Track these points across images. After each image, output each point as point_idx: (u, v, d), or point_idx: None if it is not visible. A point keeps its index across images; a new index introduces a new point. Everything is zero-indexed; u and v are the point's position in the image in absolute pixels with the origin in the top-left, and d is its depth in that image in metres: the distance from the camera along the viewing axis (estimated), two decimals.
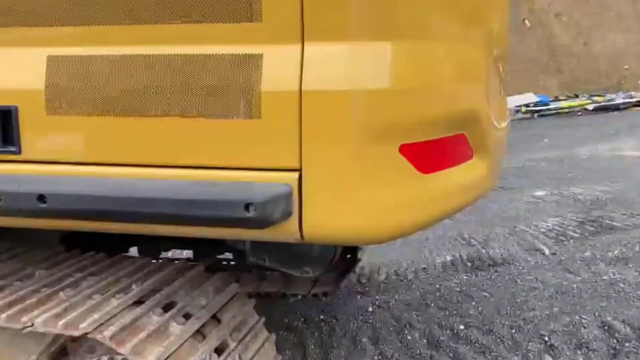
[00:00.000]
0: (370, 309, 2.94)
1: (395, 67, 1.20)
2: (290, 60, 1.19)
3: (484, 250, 3.67)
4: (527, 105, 12.95)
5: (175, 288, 1.66)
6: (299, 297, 3.19)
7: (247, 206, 1.20)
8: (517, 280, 3.11)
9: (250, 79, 1.20)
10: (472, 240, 3.91)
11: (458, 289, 3.07)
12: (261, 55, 1.20)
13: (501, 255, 3.55)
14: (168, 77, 1.23)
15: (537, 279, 3.09)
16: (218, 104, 1.22)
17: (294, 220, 1.23)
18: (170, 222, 1.27)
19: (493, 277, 3.19)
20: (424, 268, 3.46)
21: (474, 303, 2.87)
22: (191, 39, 1.22)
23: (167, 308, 1.57)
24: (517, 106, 13.03)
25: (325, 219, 1.23)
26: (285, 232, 1.25)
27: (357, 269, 3.52)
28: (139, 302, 1.56)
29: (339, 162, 1.19)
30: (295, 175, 1.20)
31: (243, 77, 1.20)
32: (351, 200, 1.21)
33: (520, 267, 3.30)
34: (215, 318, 1.65)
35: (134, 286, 1.63)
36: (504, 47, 1.79)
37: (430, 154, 1.29)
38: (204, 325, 1.57)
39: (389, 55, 1.20)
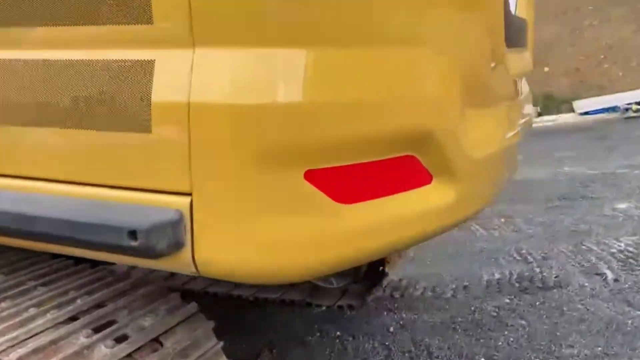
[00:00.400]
0: (391, 329, 2.71)
1: (301, 78, 1.00)
2: (182, 67, 1.02)
3: (538, 270, 3.30)
4: (638, 103, 11.81)
5: (120, 305, 1.55)
6: (324, 308, 3.03)
7: (131, 233, 1.05)
8: (565, 308, 2.74)
9: (141, 87, 1.05)
10: (528, 257, 3.54)
11: (494, 313, 2.76)
12: (153, 62, 1.04)
13: (556, 277, 3.16)
14: (53, 84, 1.11)
15: (588, 309, 2.71)
16: (106, 114, 1.08)
17: (186, 251, 1.06)
18: (55, 242, 1.15)
19: (538, 302, 2.84)
20: (465, 286, 3.16)
21: (506, 332, 2.56)
22: (77, 42, 1.09)
23: (103, 327, 1.46)
24: (627, 104, 11.93)
25: (219, 253, 1.05)
26: (179, 264, 1.09)
27: (395, 282, 3.31)
28: (73, 319, 1.46)
29: (232, 188, 1.01)
30: (187, 200, 1.04)
31: (133, 85, 1.05)
32: (248, 234, 1.03)
33: (573, 294, 2.91)
34: (158, 341, 1.52)
35: (79, 300, 1.55)
36: (500, 46, 1.50)
37: (353, 181, 1.08)
38: (138, 349, 1.45)
39: (292, 64, 1.00)
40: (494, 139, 1.49)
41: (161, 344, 1.52)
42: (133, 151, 1.07)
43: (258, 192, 1.01)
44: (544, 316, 2.68)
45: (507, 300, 2.90)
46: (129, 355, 1.43)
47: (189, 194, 1.03)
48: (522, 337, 2.50)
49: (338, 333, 2.71)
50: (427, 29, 1.16)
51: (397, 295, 3.14)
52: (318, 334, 2.73)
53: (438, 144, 1.19)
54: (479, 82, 1.38)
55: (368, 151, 1.08)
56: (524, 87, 2.01)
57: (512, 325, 2.61)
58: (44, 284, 1.64)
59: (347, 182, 1.07)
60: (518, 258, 3.55)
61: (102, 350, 1.38)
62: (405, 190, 1.17)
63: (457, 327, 2.66)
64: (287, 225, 1.03)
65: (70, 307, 1.49)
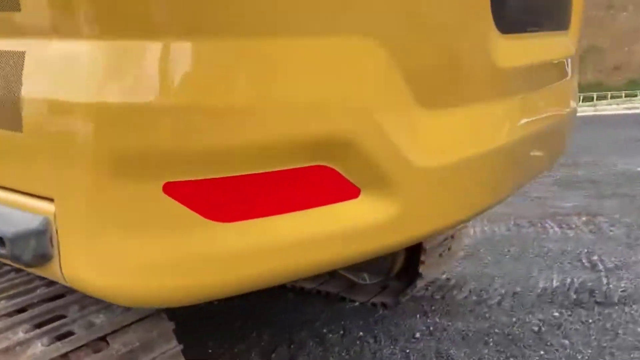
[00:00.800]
0: (417, 335, 2.51)
1: (160, 75, 0.86)
2: (47, 61, 0.92)
3: (605, 280, 2.91)
4: None
5: (73, 299, 1.51)
6: (357, 303, 2.88)
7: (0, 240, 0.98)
8: (620, 331, 2.38)
9: (12, 82, 0.96)
10: (599, 265, 3.14)
11: (536, 328, 2.46)
12: (23, 53, 0.95)
13: (623, 291, 2.77)
14: None
15: None
16: None
17: (55, 264, 0.97)
18: None
19: (591, 320, 2.49)
20: (515, 292, 2.86)
21: (542, 352, 2.27)
22: None
23: (48, 322, 1.42)
24: None
25: (83, 270, 0.96)
26: (53, 275, 1.02)
27: (441, 281, 3.08)
28: (20, 311, 1.44)
29: (87, 198, 0.91)
30: (52, 207, 0.94)
31: (4, 79, 0.97)
32: (106, 251, 0.92)
33: (637, 314, 2.52)
34: (105, 341, 1.46)
35: (39, 290, 1.52)
36: (485, 33, 1.25)
37: (236, 196, 0.92)
38: (77, 348, 1.40)
39: (151, 58, 0.86)
40: (476, 140, 1.26)
41: (107, 344, 1.46)
42: (5, 148, 0.99)
43: (114, 205, 0.89)
44: (593, 337, 2.34)
45: (556, 314, 2.58)
46: (65, 354, 1.37)
47: (53, 201, 0.94)
48: (559, 359, 2.20)
49: (361, 333, 2.56)
50: (344, 14, 0.96)
51: (438, 296, 2.92)
52: (341, 331, 2.59)
53: (363, 152, 1.01)
54: (444, 77, 1.15)
55: (257, 162, 0.93)
56: (558, 74, 1.71)
57: (551, 345, 2.31)
58: (18, 270, 1.64)
59: (226, 197, 0.92)
60: (586, 264, 3.16)
61: (37, 347, 1.34)
62: (318, 205, 1.00)
63: (490, 340, 2.40)
64: (148, 244, 0.91)
65: (22, 298, 1.47)
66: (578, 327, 2.45)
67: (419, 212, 1.12)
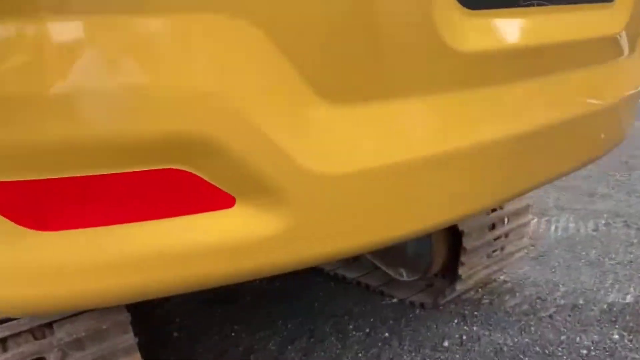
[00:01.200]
0: (446, 344, 2.27)
1: None
2: None
3: None
4: None
5: None
6: (395, 300, 2.69)
7: None
8: None
9: None
10: None
11: (585, 351, 2.12)
12: None
13: None
14: None
15: None
16: None
17: None
18: None
19: None
20: (575, 306, 2.50)
21: None
22: None
23: None
24: None
25: None
26: None
27: (496, 284, 2.80)
28: None
29: None
30: None
31: None
32: None
33: None
34: (50, 328, 1.43)
35: None
36: (437, 8, 1.00)
37: (58, 201, 0.80)
38: (18, 334, 1.38)
39: None
40: (416, 141, 1.02)
41: (53, 331, 1.43)
42: None
43: None
44: None
45: (616, 336, 2.21)
46: (3, 339, 1.36)
47: None
48: None
49: (386, 334, 2.37)
50: None
51: (486, 300, 2.63)
52: (367, 329, 2.42)
53: (232, 155, 0.84)
54: (360, 65, 0.93)
55: (84, 162, 0.79)
56: (590, 57, 1.39)
57: None
58: None
59: (47, 203, 0.80)
60: None
61: None
62: (173, 215, 0.85)
63: (526, 358, 2.11)
64: None
65: None
66: (636, 356, 2.07)
67: (317, 227, 0.93)
